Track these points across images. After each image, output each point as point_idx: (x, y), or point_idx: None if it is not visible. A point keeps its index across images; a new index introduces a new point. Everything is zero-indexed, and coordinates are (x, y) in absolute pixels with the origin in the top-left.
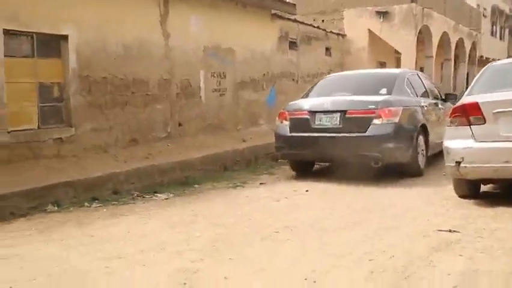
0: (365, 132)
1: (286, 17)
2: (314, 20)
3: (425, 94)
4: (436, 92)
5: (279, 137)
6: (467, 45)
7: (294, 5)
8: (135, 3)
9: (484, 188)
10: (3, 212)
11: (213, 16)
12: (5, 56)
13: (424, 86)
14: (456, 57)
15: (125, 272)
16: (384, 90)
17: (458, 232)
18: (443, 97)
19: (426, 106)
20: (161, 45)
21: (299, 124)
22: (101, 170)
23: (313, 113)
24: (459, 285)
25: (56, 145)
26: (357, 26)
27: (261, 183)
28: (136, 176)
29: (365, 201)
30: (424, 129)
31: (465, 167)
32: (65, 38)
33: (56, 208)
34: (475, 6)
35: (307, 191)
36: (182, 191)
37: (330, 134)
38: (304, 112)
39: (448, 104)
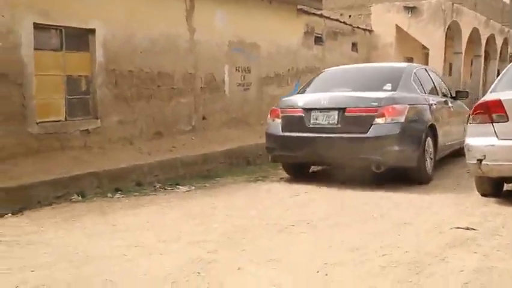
0: (366, 132)
1: (312, 12)
2: (341, 15)
3: (434, 91)
4: (446, 89)
5: (270, 136)
6: (499, 42)
7: (321, 0)
8: None
9: (508, 186)
10: (31, 201)
11: (238, 11)
12: (34, 49)
13: (433, 82)
14: (486, 53)
15: (142, 259)
16: (388, 86)
17: (475, 230)
18: (453, 95)
19: (435, 104)
20: (186, 39)
21: (292, 123)
22: (126, 161)
23: (308, 110)
24: (471, 281)
25: (82, 136)
26: (384, 21)
27: (281, 178)
28: (159, 168)
29: (377, 200)
30: (433, 130)
31: (487, 164)
32: (92, 32)
33: (80, 198)
34: (507, 2)
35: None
36: (203, 184)
37: (326, 134)
38: (298, 109)
39: (458, 102)
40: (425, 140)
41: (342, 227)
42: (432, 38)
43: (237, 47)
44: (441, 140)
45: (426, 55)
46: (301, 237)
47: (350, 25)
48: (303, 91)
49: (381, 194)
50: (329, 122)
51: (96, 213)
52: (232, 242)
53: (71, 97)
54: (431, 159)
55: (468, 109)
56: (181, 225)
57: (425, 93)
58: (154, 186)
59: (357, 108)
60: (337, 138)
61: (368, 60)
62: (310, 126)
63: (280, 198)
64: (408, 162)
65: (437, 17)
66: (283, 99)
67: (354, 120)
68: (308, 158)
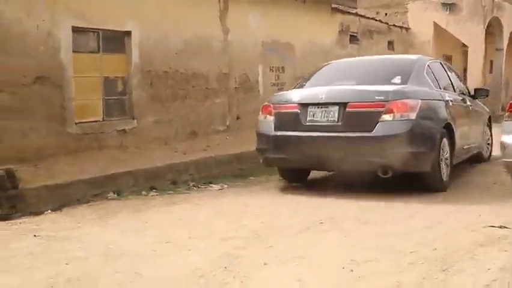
0: (371, 131)
1: (347, 10)
2: (377, 13)
3: (450, 87)
4: (463, 86)
5: (260, 136)
6: None
7: None
8: (195, 0)
9: None
10: (70, 198)
11: (271, 11)
12: (73, 52)
13: (449, 77)
14: None
15: (171, 255)
16: (398, 79)
17: (509, 228)
18: (472, 93)
19: (451, 101)
20: (220, 40)
21: (287, 120)
22: (161, 160)
23: (304, 106)
24: (498, 279)
25: (119, 136)
26: (421, 18)
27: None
28: (194, 167)
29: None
30: (449, 131)
31: None
32: (128, 34)
33: (116, 196)
34: None
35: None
36: (236, 183)
37: (325, 133)
38: (293, 105)
39: (477, 102)
40: (441, 141)
41: (370, 226)
42: (472, 35)
43: (270, 47)
44: (458, 142)
45: (466, 53)
46: (328, 235)
47: (386, 23)
48: (300, 86)
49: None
50: (328, 120)
51: (130, 211)
52: (260, 239)
53: (108, 98)
54: (447, 164)
55: (488, 110)
56: (212, 223)
57: (440, 88)
58: (188, 185)
59: (360, 103)
60: (337, 137)
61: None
62: (307, 124)
63: (311, 196)
64: (421, 167)
65: (477, 13)
66: (277, 94)
67: (357, 117)
68: (304, 161)
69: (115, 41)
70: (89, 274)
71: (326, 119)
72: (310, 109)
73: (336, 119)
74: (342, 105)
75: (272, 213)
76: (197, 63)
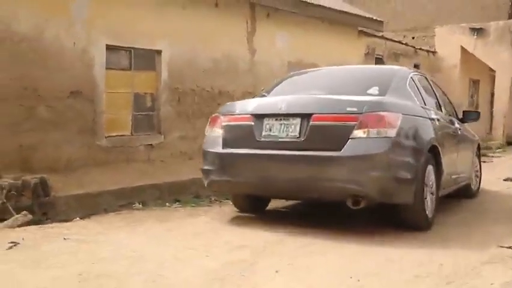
0: (339, 150)
1: (373, 33)
2: (404, 36)
3: (437, 106)
4: (451, 107)
5: (206, 154)
6: None
7: (382, 22)
8: (224, 21)
9: None
10: (98, 207)
11: (298, 33)
12: (106, 68)
13: (436, 94)
14: None
15: (191, 260)
16: (375, 90)
17: None
18: (460, 116)
19: (438, 120)
20: (247, 60)
21: (238, 135)
22: (185, 175)
23: (260, 117)
24: None
25: (146, 150)
26: (449, 42)
27: None
28: None
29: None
30: (435, 155)
31: None
32: (159, 52)
33: (141, 206)
34: None
35: None
36: None
37: (283, 151)
38: (246, 116)
39: (466, 127)
40: (425, 167)
41: (381, 240)
42: (499, 59)
43: (296, 67)
44: (445, 170)
45: (493, 77)
46: (340, 247)
47: (413, 46)
48: (261, 97)
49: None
50: (287, 135)
51: (155, 220)
52: (274, 249)
53: (137, 113)
54: (433, 194)
55: (478, 137)
56: (230, 233)
57: (425, 104)
58: (210, 199)
59: (328, 115)
60: (298, 157)
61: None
62: (262, 140)
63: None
64: (401, 197)
65: (505, 38)
66: (228, 103)
67: (323, 132)
68: (255, 187)
69: (146, 59)
70: (115, 272)
71: (285, 133)
72: (266, 121)
73: (298, 134)
74: (306, 117)
75: (288, 225)
76: (223, 81)
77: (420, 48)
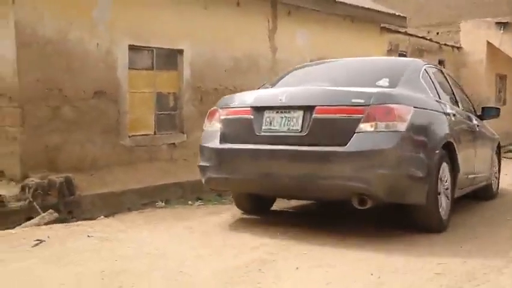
0: (344, 145)
1: (396, 29)
2: (428, 32)
3: (453, 101)
4: (468, 103)
5: (203, 150)
6: None
7: (405, 18)
8: (245, 19)
9: None
10: (122, 206)
11: (319, 30)
12: (129, 68)
13: (451, 89)
14: None
15: (211, 257)
16: (385, 81)
17: None
18: (479, 113)
19: (454, 115)
20: (268, 58)
21: (236, 129)
22: None
23: (260, 110)
24: None
25: (169, 149)
26: (474, 37)
27: None
28: None
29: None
30: (450, 152)
31: None
32: (181, 52)
33: (164, 205)
34: None
35: None
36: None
37: (284, 146)
38: (245, 109)
39: (485, 124)
40: (439, 165)
41: (398, 240)
42: None
43: None
44: (462, 168)
45: None
46: (358, 245)
47: (437, 42)
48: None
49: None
50: (289, 129)
51: (177, 219)
52: (293, 246)
53: (160, 113)
54: (448, 196)
55: (497, 135)
56: (249, 231)
57: (439, 98)
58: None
59: (332, 107)
60: (300, 153)
61: (456, 78)
62: (262, 134)
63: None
64: (413, 197)
65: None
66: (227, 96)
67: (327, 125)
68: (254, 185)
69: (168, 58)
70: (136, 269)
71: (286, 127)
72: (267, 114)
73: (300, 128)
74: (308, 109)
75: (308, 222)
76: (245, 80)
77: (445, 44)
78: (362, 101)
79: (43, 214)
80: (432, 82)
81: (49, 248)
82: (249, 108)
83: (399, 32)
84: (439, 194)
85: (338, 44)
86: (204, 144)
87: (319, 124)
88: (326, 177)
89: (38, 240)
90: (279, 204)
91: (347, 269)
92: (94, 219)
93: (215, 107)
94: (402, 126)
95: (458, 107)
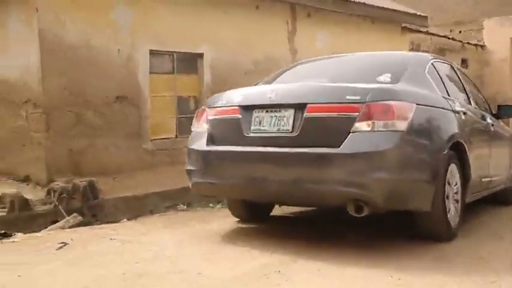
0: (338, 146)
1: (418, 29)
2: (451, 31)
3: (464, 98)
4: (482, 101)
5: (190, 153)
6: None
7: (426, 17)
8: (265, 22)
9: None
10: (144, 209)
11: (339, 32)
12: (150, 73)
13: (463, 85)
14: None
15: (230, 259)
16: (386, 77)
17: None
18: (495, 111)
19: (464, 113)
20: (288, 61)
21: (224, 130)
22: None
23: (248, 109)
24: None
25: None
26: (498, 35)
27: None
28: None
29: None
30: (460, 152)
31: None
32: (201, 56)
33: (185, 207)
34: None
35: None
36: None
37: (274, 148)
38: (233, 108)
39: (502, 124)
40: (447, 167)
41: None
42: None
43: None
44: (474, 171)
45: None
46: (382, 249)
47: (460, 41)
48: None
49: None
50: (279, 129)
51: (198, 221)
52: (313, 248)
53: (181, 116)
54: (457, 201)
55: None
56: (269, 232)
57: (448, 95)
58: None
59: (325, 105)
60: (290, 155)
61: (480, 77)
62: (250, 135)
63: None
64: (417, 204)
65: None
66: (216, 95)
67: (319, 125)
68: (243, 190)
69: (189, 62)
70: (157, 272)
71: (276, 127)
72: (256, 114)
73: (291, 128)
74: (300, 108)
75: (329, 225)
76: None
77: (467, 42)
78: (357, 97)
79: (68, 217)
80: (441, 78)
81: (73, 250)
82: (236, 107)
83: (420, 32)
84: (447, 198)
85: (359, 45)
86: (190, 147)
87: (311, 124)
88: (318, 182)
89: (62, 243)
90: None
91: (368, 269)
92: (117, 222)
93: (203, 107)
94: (402, 125)
95: (470, 104)
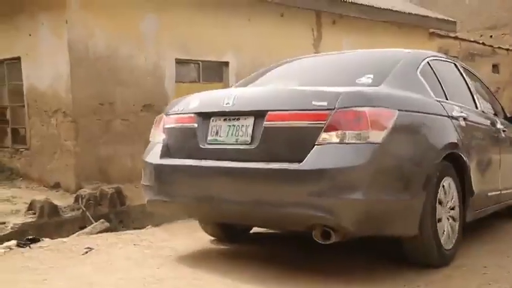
0: (300, 161)
1: (447, 34)
2: (481, 35)
3: (469, 101)
4: (494, 104)
5: (144, 166)
6: None
7: (454, 22)
8: (290, 29)
9: None
10: (169, 216)
11: (365, 37)
12: (176, 81)
13: (468, 86)
14: None
15: (251, 263)
16: (368, 78)
17: None
18: (508, 114)
19: (465, 119)
20: None
21: (179, 141)
22: None
23: (205, 117)
24: None
25: None
26: None
27: None
28: None
29: None
30: (459, 165)
31: None
32: (226, 64)
33: None
34: None
35: None
36: None
37: (230, 163)
38: (189, 116)
39: None
40: (438, 183)
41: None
42: None
43: None
44: (477, 184)
45: None
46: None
47: (490, 46)
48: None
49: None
50: (237, 140)
51: None
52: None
53: None
54: (455, 220)
55: None
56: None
57: (446, 98)
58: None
59: (287, 112)
60: (246, 171)
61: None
62: (206, 147)
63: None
64: (397, 227)
65: None
66: (174, 100)
67: (280, 135)
68: (197, 211)
69: (214, 70)
70: (176, 275)
71: (234, 138)
72: (213, 122)
73: (249, 139)
74: (260, 115)
75: None
76: None
77: (499, 47)
78: (324, 103)
79: (95, 223)
80: (438, 78)
81: (97, 255)
82: (192, 115)
83: (449, 37)
84: (440, 219)
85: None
86: (145, 159)
87: (272, 134)
88: (277, 203)
89: (88, 248)
90: None
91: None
92: (142, 228)
93: (162, 114)
94: (378, 136)
95: (477, 108)
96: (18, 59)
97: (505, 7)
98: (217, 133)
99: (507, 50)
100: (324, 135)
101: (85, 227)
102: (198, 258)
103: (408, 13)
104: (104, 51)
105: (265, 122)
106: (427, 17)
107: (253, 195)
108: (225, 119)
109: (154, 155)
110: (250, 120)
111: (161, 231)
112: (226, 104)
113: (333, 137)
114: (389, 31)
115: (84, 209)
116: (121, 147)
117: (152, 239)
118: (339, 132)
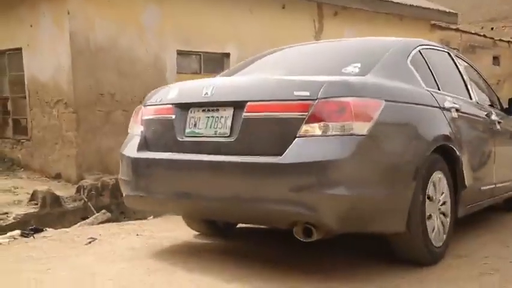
0: (280, 154)
1: (447, 26)
2: (482, 28)
3: (462, 92)
4: (489, 94)
5: (121, 159)
6: None
7: (456, 14)
8: (291, 21)
9: None
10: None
11: (366, 29)
12: (177, 72)
13: (462, 76)
14: None
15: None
16: (354, 67)
17: None
18: (506, 106)
19: (457, 111)
20: None
21: (157, 133)
22: None
23: (183, 107)
24: None
25: None
26: None
27: None
28: None
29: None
30: (450, 157)
31: None
32: (227, 55)
33: None
34: None
35: None
36: None
37: (208, 156)
38: (166, 107)
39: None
40: (428, 177)
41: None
42: None
43: None
44: (470, 178)
45: None
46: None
47: (491, 38)
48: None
49: None
50: (216, 132)
51: None
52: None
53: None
54: (445, 216)
55: None
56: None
57: (438, 89)
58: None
59: (267, 102)
60: (224, 165)
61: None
62: (184, 139)
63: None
64: (383, 224)
65: None
66: (153, 91)
67: (260, 127)
68: (174, 207)
69: (215, 62)
70: (178, 265)
71: (213, 130)
72: (191, 114)
73: (228, 132)
74: (240, 106)
75: None
76: None
77: (500, 39)
78: (306, 93)
79: (97, 214)
80: (429, 68)
81: (100, 245)
82: (170, 106)
83: (450, 29)
84: (429, 215)
85: None
86: (122, 152)
87: (251, 126)
88: (256, 199)
89: (91, 238)
90: None
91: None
92: (144, 219)
93: (140, 105)
94: (363, 128)
95: (471, 99)
96: (20, 49)
97: (506, 0)
98: (195, 125)
99: (508, 42)
100: (305, 127)
101: (87, 217)
102: (202, 247)
103: (410, 5)
104: (106, 42)
105: (244, 113)
106: (429, 8)
107: (232, 190)
108: (203, 110)
109: (131, 148)
110: (229, 112)
111: (164, 222)
112: (205, 94)
113: (315, 128)
114: (391, 23)
115: (86, 199)
116: (122, 138)
117: (154, 229)
118: (322, 123)
